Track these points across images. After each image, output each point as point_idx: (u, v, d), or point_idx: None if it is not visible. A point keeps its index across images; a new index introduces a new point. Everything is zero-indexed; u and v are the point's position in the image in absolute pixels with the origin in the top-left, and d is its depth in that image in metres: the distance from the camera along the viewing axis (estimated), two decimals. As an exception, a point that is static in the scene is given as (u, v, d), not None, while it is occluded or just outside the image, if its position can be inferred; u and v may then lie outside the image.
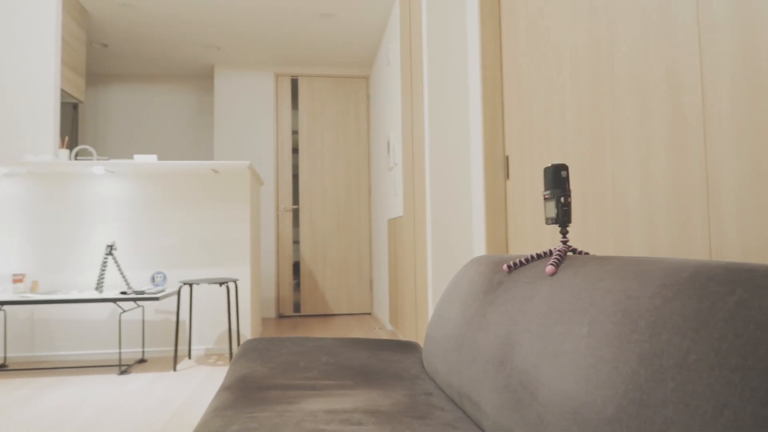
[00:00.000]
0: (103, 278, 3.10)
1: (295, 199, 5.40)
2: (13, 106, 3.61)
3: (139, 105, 5.73)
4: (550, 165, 1.12)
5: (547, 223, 1.13)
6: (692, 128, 1.19)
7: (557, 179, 1.10)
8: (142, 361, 3.30)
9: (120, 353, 3.00)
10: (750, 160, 1.03)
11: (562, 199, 1.10)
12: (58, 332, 3.36)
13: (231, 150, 5.32)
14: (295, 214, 5.38)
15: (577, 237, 1.72)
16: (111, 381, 2.81)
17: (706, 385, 0.57)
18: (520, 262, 1.17)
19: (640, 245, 1.39)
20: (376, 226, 5.12)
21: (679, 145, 1.24)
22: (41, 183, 3.38)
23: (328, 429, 0.96)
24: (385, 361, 1.54)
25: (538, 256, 1.15)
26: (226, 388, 1.28)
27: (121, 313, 3.05)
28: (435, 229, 2.61)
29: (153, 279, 3.39)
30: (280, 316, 5.27)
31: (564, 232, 1.11)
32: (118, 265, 3.13)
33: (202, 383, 2.76)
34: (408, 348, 1.73)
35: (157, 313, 3.48)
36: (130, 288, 3.09)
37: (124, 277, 3.15)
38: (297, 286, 5.34)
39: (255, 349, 1.65)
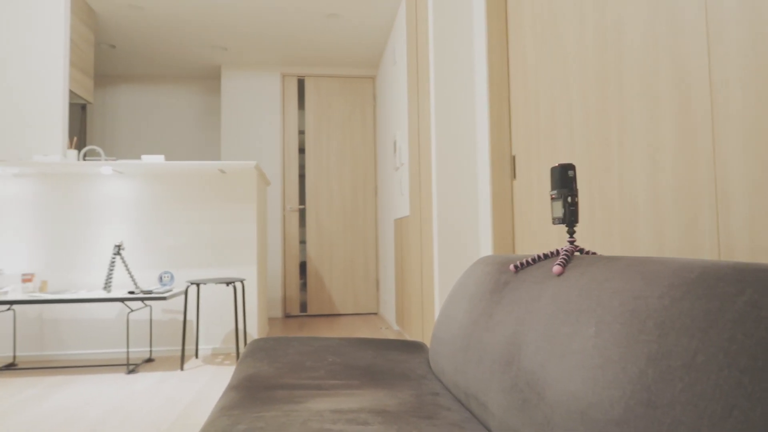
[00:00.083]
0: (111, 278, 3.12)
1: (302, 199, 5.41)
2: (21, 107, 3.64)
3: (147, 105, 5.76)
4: (557, 164, 1.11)
5: (554, 222, 1.13)
6: (700, 127, 1.18)
7: (564, 179, 1.10)
8: (149, 360, 3.32)
9: (128, 352, 3.02)
10: (759, 159, 1.02)
11: (569, 199, 1.09)
12: (67, 331, 3.39)
13: (238, 150, 5.34)
14: (302, 214, 5.39)
15: (584, 237, 1.71)
16: (119, 380, 2.83)
17: (714, 386, 0.57)
18: (527, 262, 1.17)
19: (647, 245, 1.38)
20: (382, 226, 5.12)
21: (687, 144, 1.23)
22: (50, 183, 3.40)
23: (335, 429, 0.96)
24: (391, 361, 1.53)
25: (545, 256, 1.15)
26: (232, 387, 1.28)
27: (129, 312, 3.07)
28: (441, 229, 2.61)
29: (161, 279, 3.41)
30: (287, 316, 5.28)
31: (571, 232, 1.11)
32: (125, 265, 3.15)
33: (209, 382, 2.77)
34: (414, 348, 1.73)
35: (165, 312, 3.50)
36: (137, 288, 3.11)
37: (131, 276, 3.17)
38: (303, 286, 5.35)
39: (262, 348, 1.65)
